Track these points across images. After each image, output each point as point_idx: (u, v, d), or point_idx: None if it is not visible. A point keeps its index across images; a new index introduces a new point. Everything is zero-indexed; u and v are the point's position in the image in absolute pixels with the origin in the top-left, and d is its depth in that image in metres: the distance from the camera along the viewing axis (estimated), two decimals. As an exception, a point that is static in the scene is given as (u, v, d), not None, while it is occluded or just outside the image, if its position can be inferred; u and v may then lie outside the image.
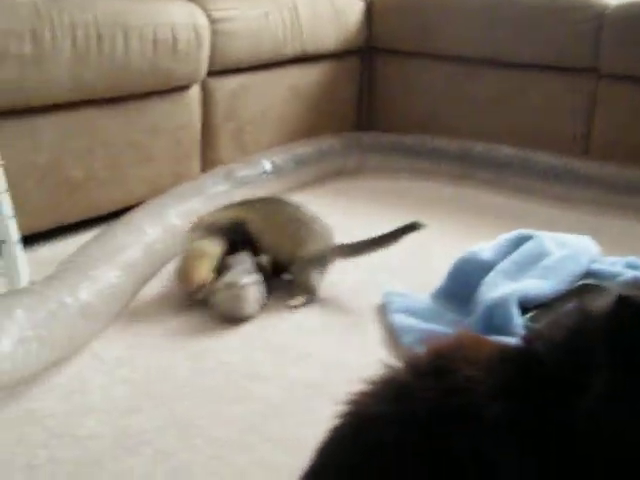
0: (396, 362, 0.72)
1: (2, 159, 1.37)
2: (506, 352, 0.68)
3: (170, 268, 1.67)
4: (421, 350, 0.72)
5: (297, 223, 1.53)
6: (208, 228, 1.51)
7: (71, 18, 1.67)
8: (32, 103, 1.66)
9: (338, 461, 0.68)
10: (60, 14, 1.65)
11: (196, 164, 2.11)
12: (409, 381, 0.67)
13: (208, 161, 2.14)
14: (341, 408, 0.72)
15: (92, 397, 1.18)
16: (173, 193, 1.82)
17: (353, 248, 1.56)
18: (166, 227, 1.65)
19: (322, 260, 1.53)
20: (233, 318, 1.42)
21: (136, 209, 1.71)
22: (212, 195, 1.88)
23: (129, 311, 1.46)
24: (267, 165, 2.11)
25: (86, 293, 1.29)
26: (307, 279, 1.51)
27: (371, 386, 0.71)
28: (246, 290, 1.40)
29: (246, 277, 1.41)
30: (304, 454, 1.03)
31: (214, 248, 1.46)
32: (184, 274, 1.46)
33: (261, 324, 1.44)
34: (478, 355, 0.67)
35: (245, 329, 1.42)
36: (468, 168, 2.37)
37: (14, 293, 1.24)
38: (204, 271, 1.44)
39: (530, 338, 0.69)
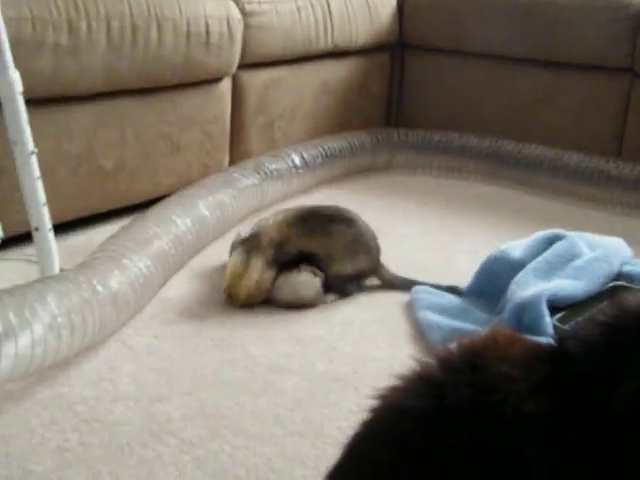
0: (427, 358, 0.72)
1: (36, 147, 1.39)
2: (541, 351, 0.68)
3: (199, 261, 1.68)
4: (453, 346, 0.72)
5: (354, 244, 1.54)
6: (270, 257, 1.48)
7: (106, 9, 1.68)
8: (67, 93, 1.68)
9: (368, 456, 0.68)
10: (96, 5, 1.67)
11: (225, 157, 2.12)
12: (441, 377, 0.67)
13: (237, 154, 2.15)
14: (371, 402, 0.72)
15: (121, 384, 1.20)
16: (202, 184, 1.83)
17: (394, 280, 1.58)
18: (196, 218, 1.66)
19: (365, 276, 1.57)
20: (294, 304, 1.46)
21: (166, 199, 1.72)
22: (241, 188, 1.89)
23: (158, 300, 1.47)
24: (297, 159, 2.12)
25: (117, 282, 1.30)
26: (347, 291, 1.54)
27: (402, 381, 0.70)
28: (308, 278, 1.48)
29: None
30: (330, 447, 1.03)
31: (270, 280, 1.48)
32: (236, 299, 1.47)
33: (289, 317, 1.44)
34: (512, 353, 0.67)
35: (272, 322, 1.42)
36: (498, 167, 2.36)
37: (46, 279, 1.26)
38: (258, 299, 1.48)
39: (563, 337, 0.68)
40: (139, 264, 1.39)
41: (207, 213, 1.71)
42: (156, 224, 1.54)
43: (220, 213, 1.76)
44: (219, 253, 1.67)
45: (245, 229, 1.66)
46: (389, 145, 2.45)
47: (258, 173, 1.97)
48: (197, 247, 1.68)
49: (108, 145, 1.79)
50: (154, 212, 1.63)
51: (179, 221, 1.60)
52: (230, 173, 1.94)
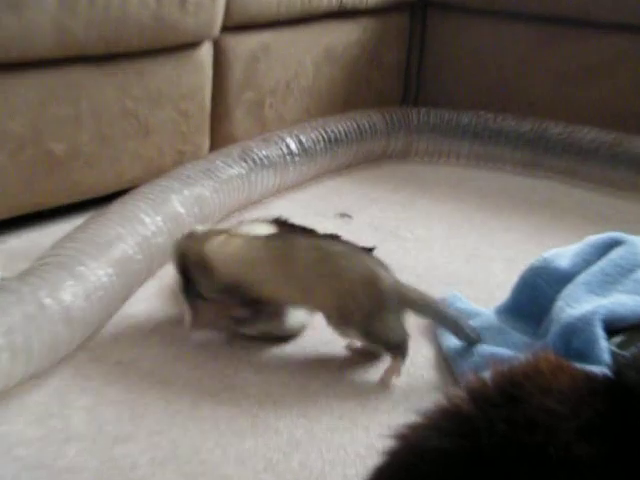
0: (456, 389, 0.73)
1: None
2: (594, 382, 0.68)
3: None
4: (487, 374, 0.73)
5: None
6: None
7: (59, -44, 1.69)
8: (8, 58, 1.68)
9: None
10: (46, -49, 1.67)
11: (205, 141, 2.13)
12: (473, 411, 0.68)
13: (220, 138, 2.16)
14: (386, 444, 0.72)
15: (74, 421, 1.20)
16: (177, 175, 1.84)
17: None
18: (168, 216, 1.67)
19: None
20: None
21: (132, 193, 1.73)
22: (225, 179, 1.90)
23: (122, 318, 1.48)
24: (292, 144, 2.13)
25: (70, 294, 1.31)
26: None
27: (424, 417, 0.71)
28: None
29: None
30: (334, 499, 1.04)
31: None
32: None
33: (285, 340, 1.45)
34: (559, 384, 0.68)
35: (265, 344, 1.43)
36: (542, 155, 2.36)
37: (-18, 291, 1.26)
38: None
39: (621, 367, 0.69)
40: (98, 272, 1.39)
41: (182, 210, 1.72)
42: (119, 223, 1.55)
43: (198, 210, 1.77)
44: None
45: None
46: (407, 128, 2.46)
47: (245, 161, 1.98)
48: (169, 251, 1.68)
49: (59, 125, 1.80)
50: (117, 208, 1.63)
51: (148, 220, 1.61)
52: (211, 161, 1.95)
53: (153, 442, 1.16)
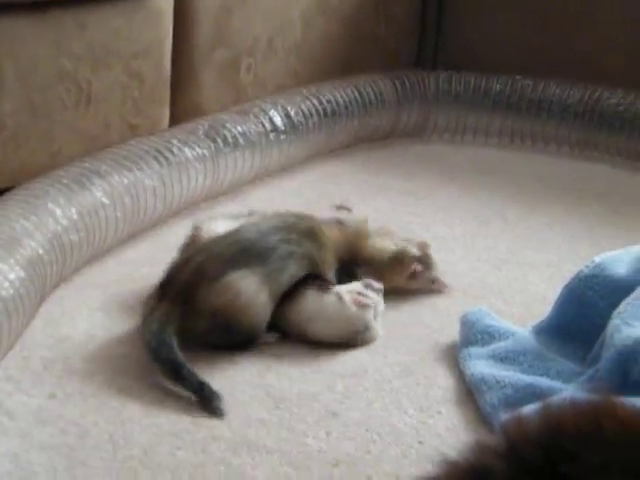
0: (487, 435, 0.72)
1: None
2: None
3: (107, 277, 1.68)
4: (527, 418, 0.71)
5: None
6: None
7: None
8: None
9: None
10: None
11: (163, 112, 2.12)
12: (508, 475, 0.66)
13: (183, 109, 2.15)
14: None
15: (-5, 469, 1.20)
16: (111, 154, 1.84)
17: None
18: (87, 208, 1.67)
19: None
20: None
21: (44, 176, 1.73)
22: (179, 163, 1.90)
23: (55, 338, 1.48)
24: (277, 119, 2.13)
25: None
26: None
27: (444, 470, 0.70)
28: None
29: None
30: None
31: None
32: None
33: (266, 364, 1.45)
34: (626, 454, 0.65)
35: (240, 371, 1.43)
36: (596, 131, 2.37)
37: None
38: None
39: None
40: (9, 276, 1.39)
41: (106, 200, 1.72)
42: (23, 216, 1.55)
43: (131, 202, 1.77)
44: (136, 261, 1.69)
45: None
46: (422, 97, 2.46)
47: (212, 140, 1.99)
48: (89, 253, 1.70)
49: (-25, 90, 1.80)
50: (19, 196, 1.65)
51: (58, 212, 1.61)
52: (165, 138, 1.95)
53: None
